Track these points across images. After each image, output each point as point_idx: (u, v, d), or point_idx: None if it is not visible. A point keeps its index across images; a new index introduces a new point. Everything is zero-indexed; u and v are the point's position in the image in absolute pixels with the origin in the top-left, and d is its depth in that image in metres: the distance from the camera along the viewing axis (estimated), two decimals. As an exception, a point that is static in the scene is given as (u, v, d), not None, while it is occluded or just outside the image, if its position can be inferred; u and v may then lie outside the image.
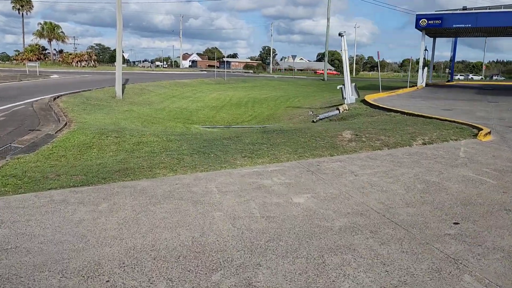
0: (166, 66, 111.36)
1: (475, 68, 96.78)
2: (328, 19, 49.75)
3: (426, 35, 36.74)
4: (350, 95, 18.18)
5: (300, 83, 47.31)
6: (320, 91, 36.92)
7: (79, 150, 7.80)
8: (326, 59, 53.07)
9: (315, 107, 21.46)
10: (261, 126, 16.62)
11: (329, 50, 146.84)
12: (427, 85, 36.70)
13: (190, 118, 18.50)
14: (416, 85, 33.62)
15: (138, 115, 15.72)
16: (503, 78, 74.66)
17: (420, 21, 32.60)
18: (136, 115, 15.54)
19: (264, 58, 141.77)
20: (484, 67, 68.81)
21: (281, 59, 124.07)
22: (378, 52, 23.37)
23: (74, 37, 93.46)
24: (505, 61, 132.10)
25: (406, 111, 13.12)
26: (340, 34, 18.03)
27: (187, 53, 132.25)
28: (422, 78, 34.92)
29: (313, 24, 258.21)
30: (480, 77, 72.79)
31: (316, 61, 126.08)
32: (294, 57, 55.52)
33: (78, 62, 62.96)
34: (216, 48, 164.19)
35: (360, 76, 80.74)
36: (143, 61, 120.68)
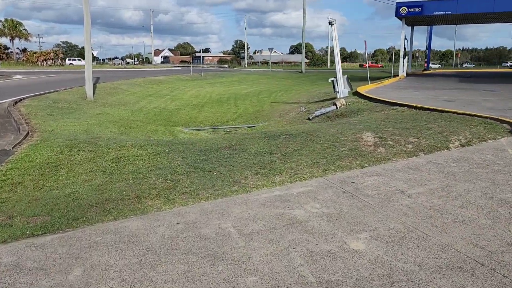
0: (137, 63, 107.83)
1: (445, 56, 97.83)
2: (304, 10, 48.44)
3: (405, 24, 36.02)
4: (342, 88, 16.83)
5: (278, 76, 45.87)
6: (301, 84, 35.64)
7: (42, 173, 6.05)
8: (303, 51, 51.75)
9: (303, 102, 20.06)
10: (250, 125, 15.08)
11: (301, 42, 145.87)
12: (407, 74, 35.98)
13: (171, 119, 16.74)
14: (398, 75, 32.84)
15: (113, 119, 13.87)
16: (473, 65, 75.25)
17: (400, 9, 31.67)
18: (110, 119, 13.70)
19: (237, 52, 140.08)
20: (458, 55, 68.91)
21: (254, 52, 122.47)
22: (365, 42, 22.13)
23: (39, 35, 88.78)
24: (470, 48, 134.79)
25: (412, 104, 11.84)
26: (330, 23, 16.62)
27: (158, 49, 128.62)
28: (403, 68, 34.15)
29: (285, 16, 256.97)
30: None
31: (290, 53, 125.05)
32: (271, 50, 54.03)
33: (44, 61, 59.44)
34: (188, 43, 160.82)
35: (335, 67, 79.94)
36: (113, 59, 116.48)
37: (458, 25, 72.06)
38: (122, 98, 21.38)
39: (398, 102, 12.63)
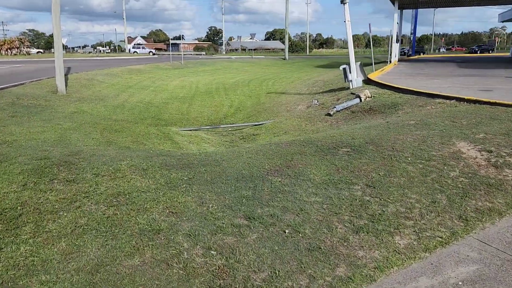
0: (109, 51, 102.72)
1: (421, 41, 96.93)
2: (286, -6, 45.78)
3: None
4: (355, 77, 14.62)
5: (262, 63, 43.35)
6: (289, 72, 33.37)
7: (-10, 236, 3.55)
8: (287, 36, 49.14)
9: (305, 93, 17.80)
10: (257, 123, 12.71)
11: (276, 28, 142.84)
12: (398, 60, 34.28)
13: (160, 116, 14.12)
14: (390, 61, 31.08)
15: (93, 119, 11.22)
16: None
17: (394, -9, 29.68)
18: (89, 120, 11.04)
19: (212, 39, 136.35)
20: (443, 39, 67.58)
21: (230, 39, 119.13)
22: (369, 24, 19.87)
23: (2, 22, 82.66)
24: (441, 33, 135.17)
25: (460, 96, 9.74)
26: (342, 1, 14.33)
27: (130, 37, 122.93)
28: (395, 53, 32.38)
29: (258, 3, 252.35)
30: None
31: (265, 39, 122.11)
32: (253, 35, 50.76)
33: (8, 50, 54.70)
34: (161, 30, 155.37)
35: (314, 53, 78.07)
36: (83, 47, 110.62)
37: (429, 10, 70.56)
38: (100, 91, 18.53)
39: (437, 93, 10.51)
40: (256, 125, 12.35)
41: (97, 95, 17.12)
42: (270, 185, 4.48)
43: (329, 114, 11.37)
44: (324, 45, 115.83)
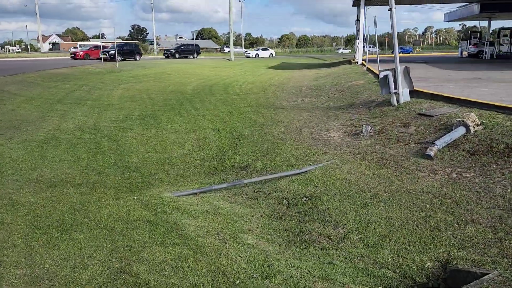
0: (20, 50, 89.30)
1: (349, 41, 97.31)
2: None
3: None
4: (401, 88, 10.25)
5: (207, 64, 37.84)
6: (246, 74, 28.58)
7: None
8: (231, 34, 43.83)
9: (310, 108, 13.14)
10: (296, 172, 7.64)
11: (204, 27, 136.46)
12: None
13: (125, 161, 8.39)
14: (357, 62, 27.77)
15: (4, 192, 5.47)
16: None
17: (361, -15, 26.31)
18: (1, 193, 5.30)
19: (135, 37, 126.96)
20: (386, 39, 65.78)
21: (157, 38, 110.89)
22: (374, 17, 15.71)
23: None
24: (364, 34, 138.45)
25: None
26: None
27: (44, 35, 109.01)
28: (362, 53, 29.19)
29: (180, 1, 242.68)
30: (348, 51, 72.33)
31: (194, 39, 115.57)
32: (194, 32, 44.47)
33: None
34: (78, 28, 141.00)
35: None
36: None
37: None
38: (13, 110, 12.15)
39: None
40: (296, 174, 7.32)
41: (9, 120, 10.84)
42: None
43: (428, 156, 6.77)
44: (254, 45, 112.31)
